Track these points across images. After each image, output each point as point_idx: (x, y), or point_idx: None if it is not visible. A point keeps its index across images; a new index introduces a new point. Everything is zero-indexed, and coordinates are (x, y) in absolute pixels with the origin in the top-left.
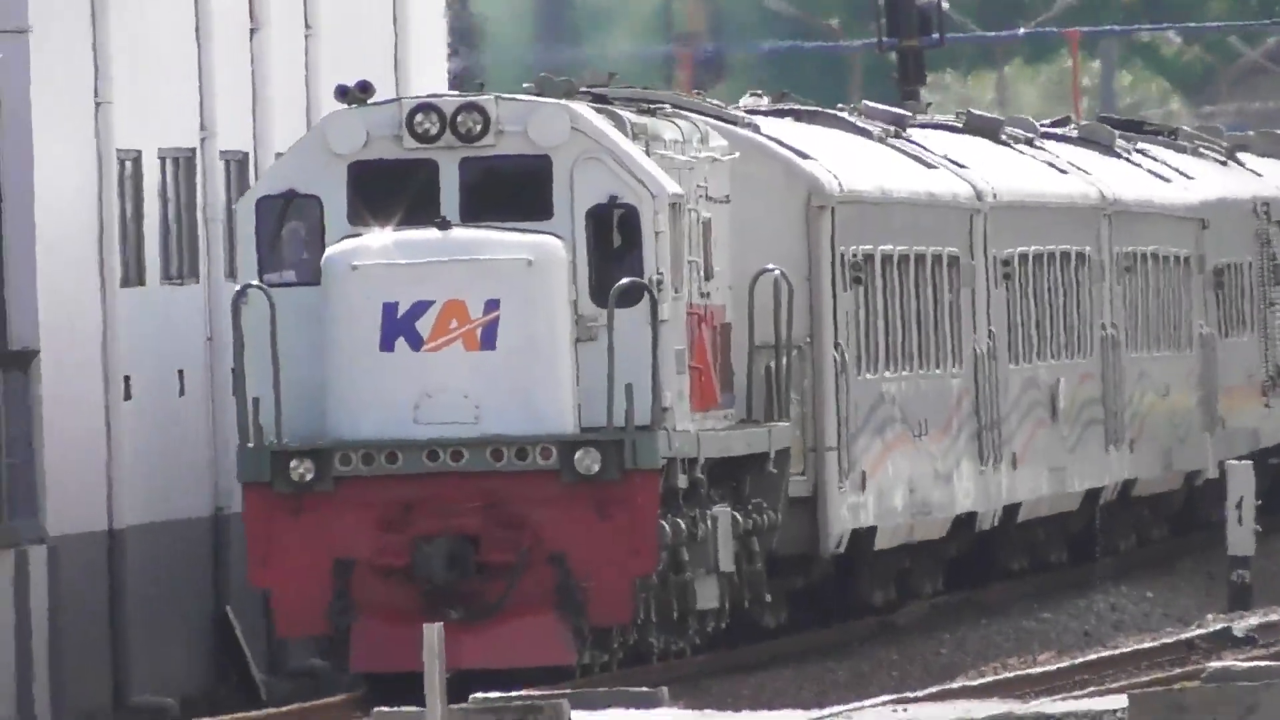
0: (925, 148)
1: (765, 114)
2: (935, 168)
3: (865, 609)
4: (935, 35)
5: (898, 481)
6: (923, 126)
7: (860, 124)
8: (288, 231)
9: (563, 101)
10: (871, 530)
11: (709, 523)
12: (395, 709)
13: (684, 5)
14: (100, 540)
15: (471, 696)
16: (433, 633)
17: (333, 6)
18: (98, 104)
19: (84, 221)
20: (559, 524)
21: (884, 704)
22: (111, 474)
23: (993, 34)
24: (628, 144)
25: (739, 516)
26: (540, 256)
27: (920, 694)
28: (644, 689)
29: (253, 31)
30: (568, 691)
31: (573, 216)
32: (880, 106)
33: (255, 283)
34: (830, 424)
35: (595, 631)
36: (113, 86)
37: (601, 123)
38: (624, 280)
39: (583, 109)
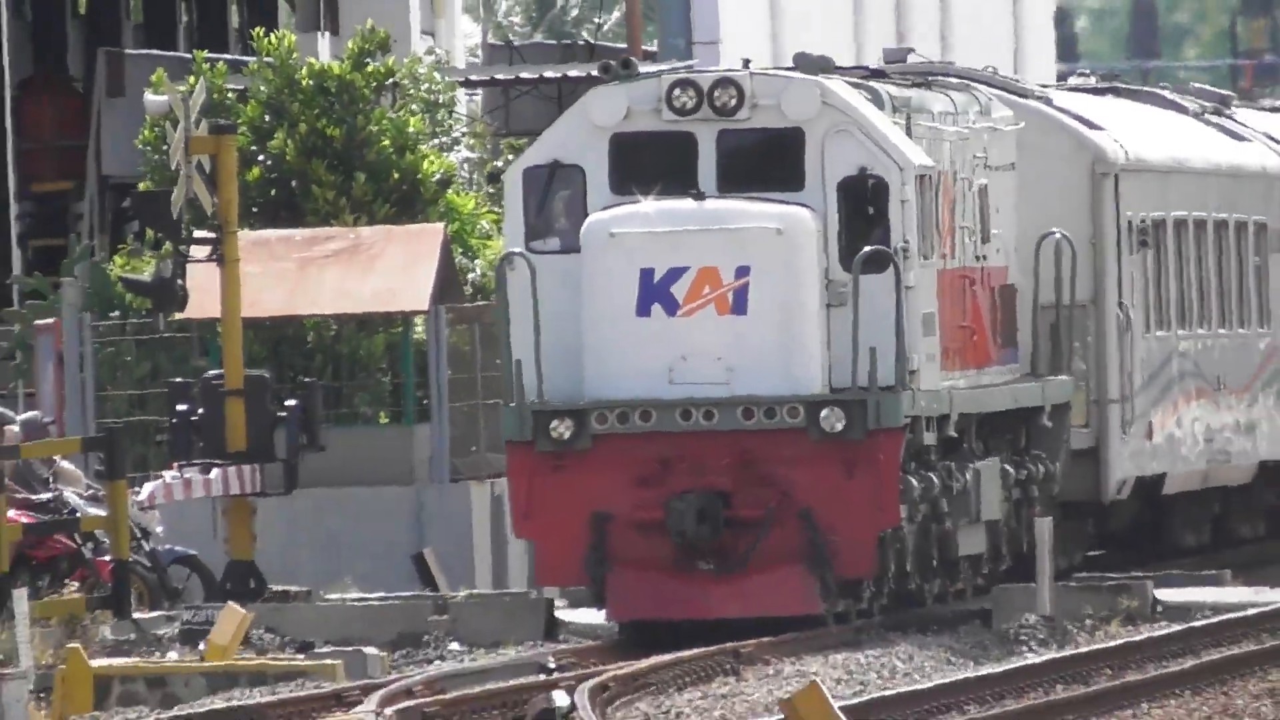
0: (1246, 125)
1: (1074, 89)
2: (1248, 141)
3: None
4: None
5: (1190, 431)
6: (1260, 109)
7: (1180, 101)
8: (553, 201)
9: (814, 77)
10: (1160, 477)
11: (969, 475)
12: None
13: (1248, 25)
14: None
15: (1074, 576)
16: (1043, 526)
17: (966, 25)
18: None
19: None
20: (806, 481)
21: None
22: None
23: None
24: (879, 117)
25: (1009, 468)
26: (790, 226)
27: None
28: (1211, 571)
29: (904, 50)
30: (1151, 575)
31: (824, 187)
32: (1208, 88)
33: (519, 250)
34: (1113, 378)
35: (841, 583)
36: None
37: (853, 97)
38: (867, 248)
39: (834, 84)
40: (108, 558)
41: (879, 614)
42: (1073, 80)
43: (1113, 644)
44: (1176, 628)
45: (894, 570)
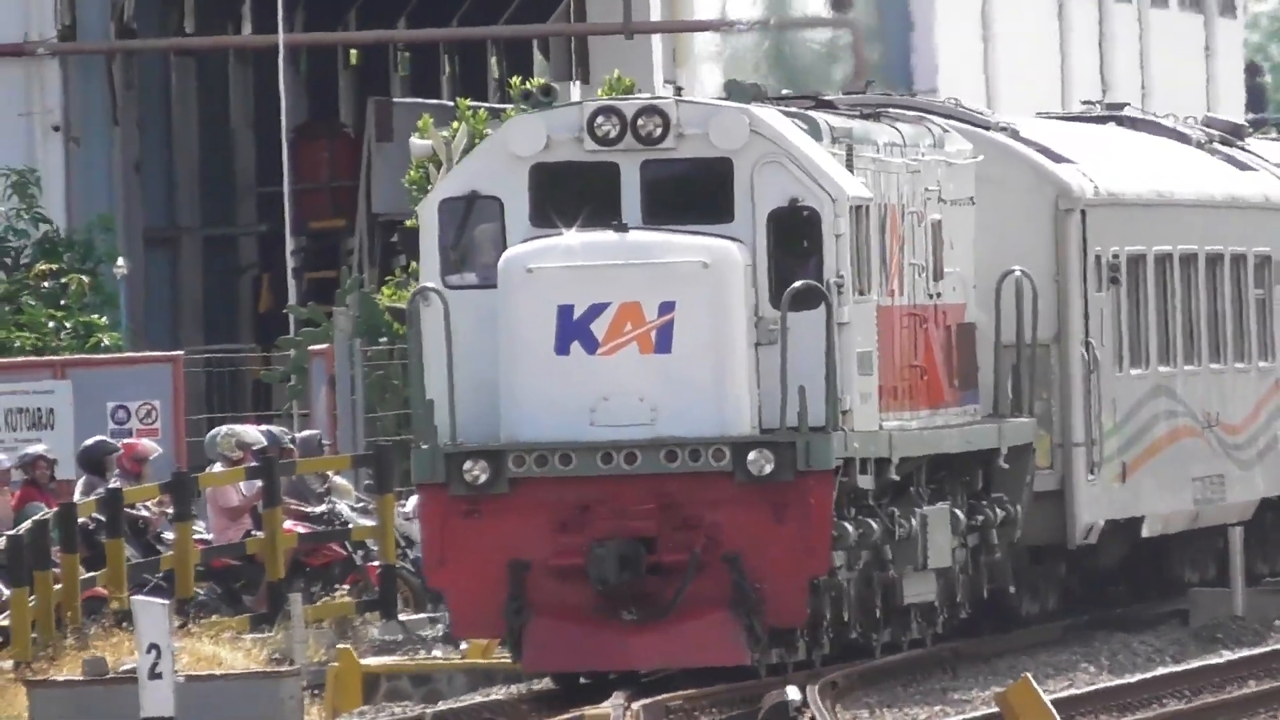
0: (1256, 154)
1: (1071, 117)
2: (1254, 170)
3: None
4: None
5: (1173, 471)
6: (1274, 139)
7: (1183, 131)
8: (471, 234)
9: (743, 105)
10: (1138, 519)
11: (915, 520)
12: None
13: None
14: None
15: (1264, 581)
16: (1235, 535)
17: (1163, 74)
18: None
19: None
20: (733, 525)
21: None
22: None
23: None
24: (811, 146)
25: (959, 513)
26: (716, 259)
27: None
28: None
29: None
30: None
31: (754, 219)
32: (1220, 118)
33: (432, 285)
34: (1078, 420)
35: (771, 632)
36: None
37: (784, 126)
38: (797, 284)
39: (764, 112)
40: (376, 564)
41: (820, 664)
42: (1076, 109)
43: None
44: None
45: (831, 618)
